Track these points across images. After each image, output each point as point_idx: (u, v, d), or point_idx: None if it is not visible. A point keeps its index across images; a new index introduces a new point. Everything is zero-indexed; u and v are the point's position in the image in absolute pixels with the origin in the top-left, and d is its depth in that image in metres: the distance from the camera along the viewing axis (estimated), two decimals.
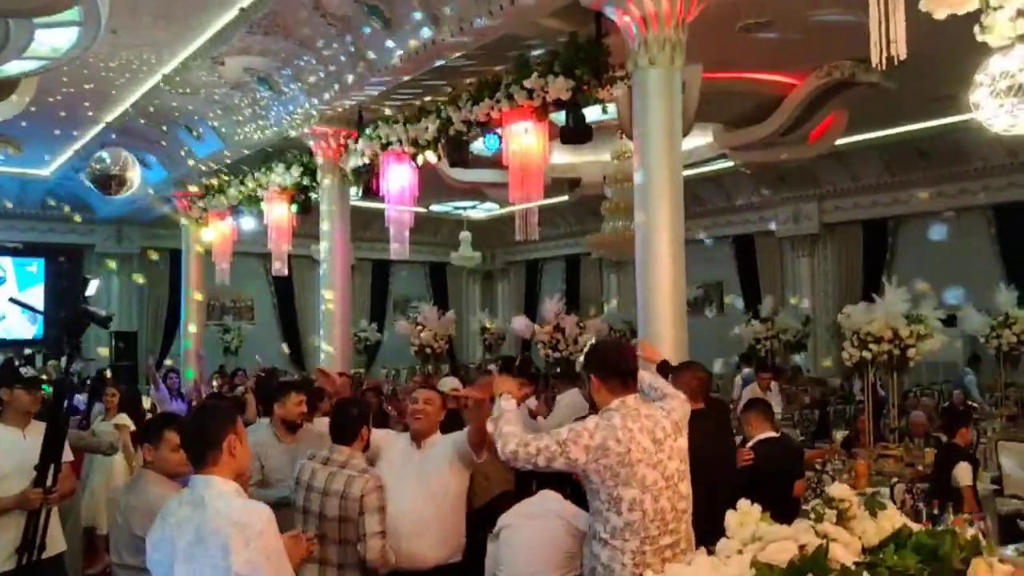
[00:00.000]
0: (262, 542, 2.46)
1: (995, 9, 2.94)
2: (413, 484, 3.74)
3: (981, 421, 9.31)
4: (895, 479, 6.21)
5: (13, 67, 7.91)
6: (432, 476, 3.77)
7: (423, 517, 3.70)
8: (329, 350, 9.90)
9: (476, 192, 14.12)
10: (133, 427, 6.60)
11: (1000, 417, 9.82)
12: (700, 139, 11.15)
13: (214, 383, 11.22)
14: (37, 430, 3.86)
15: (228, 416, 2.73)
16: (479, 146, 9.01)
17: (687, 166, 8.75)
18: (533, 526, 3.64)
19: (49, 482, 3.68)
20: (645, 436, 2.95)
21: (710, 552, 2.47)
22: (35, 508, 3.71)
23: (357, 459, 3.61)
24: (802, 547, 2.26)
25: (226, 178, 12.35)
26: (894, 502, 5.50)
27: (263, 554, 2.45)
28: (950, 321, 8.69)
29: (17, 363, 10.23)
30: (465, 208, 18.49)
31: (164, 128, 11.58)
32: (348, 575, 3.50)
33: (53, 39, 7.31)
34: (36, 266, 17.21)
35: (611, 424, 2.94)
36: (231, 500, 2.54)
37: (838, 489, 2.55)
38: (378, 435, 3.98)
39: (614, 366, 3.12)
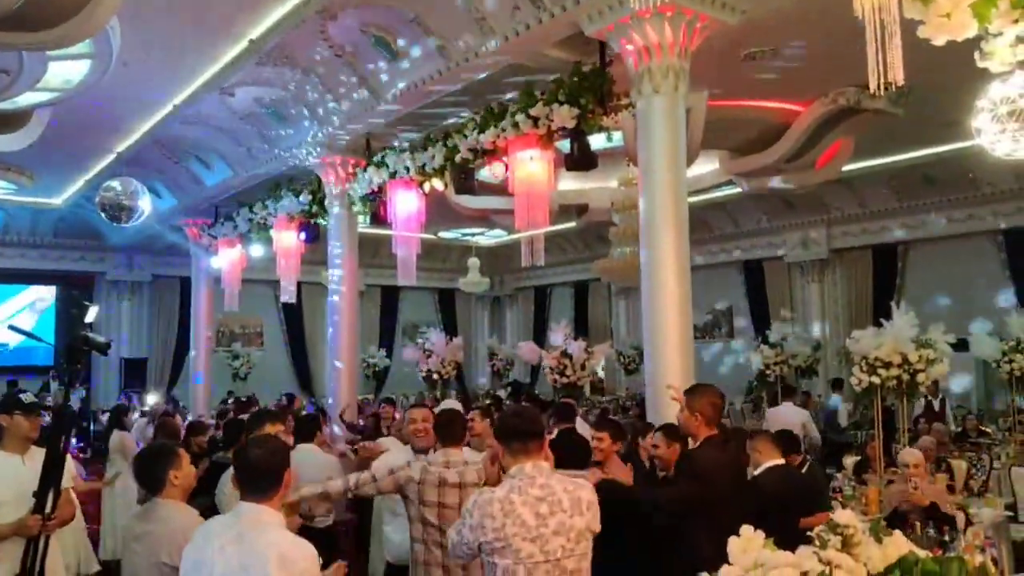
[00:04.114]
0: None
1: (995, 35, 2.94)
2: None
3: (994, 447, 9.19)
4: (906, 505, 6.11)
5: (26, 99, 8.04)
6: None
7: None
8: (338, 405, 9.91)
9: (484, 219, 14.17)
10: None
11: (1013, 443, 9.68)
12: (707, 166, 11.16)
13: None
14: (37, 457, 3.81)
15: (287, 452, 2.80)
16: (486, 173, 9.06)
17: (694, 192, 8.77)
18: None
19: (48, 509, 3.64)
20: (527, 509, 2.85)
21: None
22: (33, 535, 3.67)
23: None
24: (804, 574, 2.22)
25: (236, 206, 12.46)
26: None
27: None
28: (961, 346, 8.60)
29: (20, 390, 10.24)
30: (473, 235, 18.56)
31: (174, 157, 11.70)
32: None
33: (66, 71, 7.43)
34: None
35: (490, 499, 2.87)
36: (281, 533, 2.60)
37: (842, 515, 2.51)
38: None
39: (512, 429, 3.02)
